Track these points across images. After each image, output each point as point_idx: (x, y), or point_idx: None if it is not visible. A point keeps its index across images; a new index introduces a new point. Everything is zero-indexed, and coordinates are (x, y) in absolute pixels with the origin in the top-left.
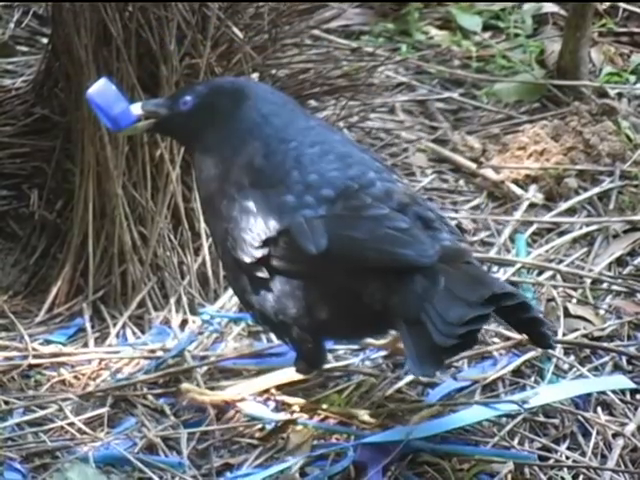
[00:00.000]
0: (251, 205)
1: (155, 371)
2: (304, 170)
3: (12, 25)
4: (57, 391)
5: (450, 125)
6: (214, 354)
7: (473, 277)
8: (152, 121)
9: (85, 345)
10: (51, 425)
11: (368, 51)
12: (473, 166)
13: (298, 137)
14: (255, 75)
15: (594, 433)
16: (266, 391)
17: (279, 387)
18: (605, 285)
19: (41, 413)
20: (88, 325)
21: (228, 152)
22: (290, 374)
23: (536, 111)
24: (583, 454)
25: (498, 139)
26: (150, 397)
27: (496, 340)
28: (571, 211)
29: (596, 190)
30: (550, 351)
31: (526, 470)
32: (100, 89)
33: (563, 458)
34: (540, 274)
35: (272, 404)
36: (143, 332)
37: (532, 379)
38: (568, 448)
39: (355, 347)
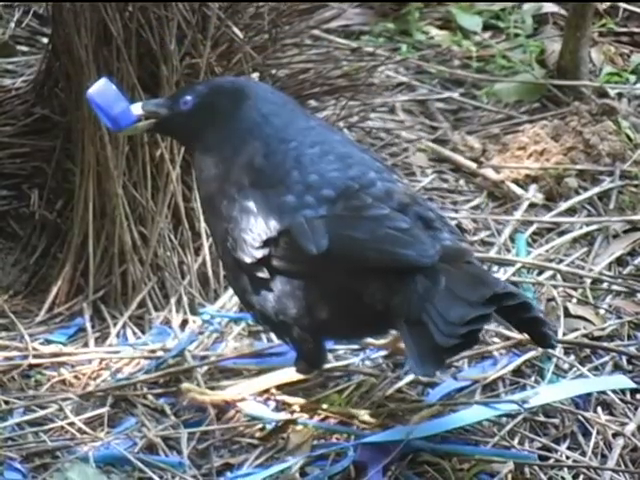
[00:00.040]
0: (251, 205)
1: (155, 371)
2: (304, 170)
3: (12, 25)
4: (57, 391)
5: (450, 125)
6: (214, 354)
7: (474, 277)
8: (152, 121)
9: (85, 345)
10: (51, 425)
11: (368, 51)
12: (473, 166)
13: (298, 137)
14: (255, 75)
15: (594, 433)
16: (266, 391)
17: (279, 387)
18: (605, 285)
19: (41, 413)
20: (88, 325)
21: (228, 152)
22: (290, 374)
23: (536, 111)
24: (583, 454)
25: (498, 139)
26: (150, 397)
27: (496, 340)
28: (571, 211)
29: (596, 190)
30: (550, 351)
31: (526, 470)
32: (100, 89)
33: (563, 458)
34: (540, 274)
35: (272, 404)
36: (143, 332)
37: (532, 379)
38: (568, 448)
39: (355, 347)
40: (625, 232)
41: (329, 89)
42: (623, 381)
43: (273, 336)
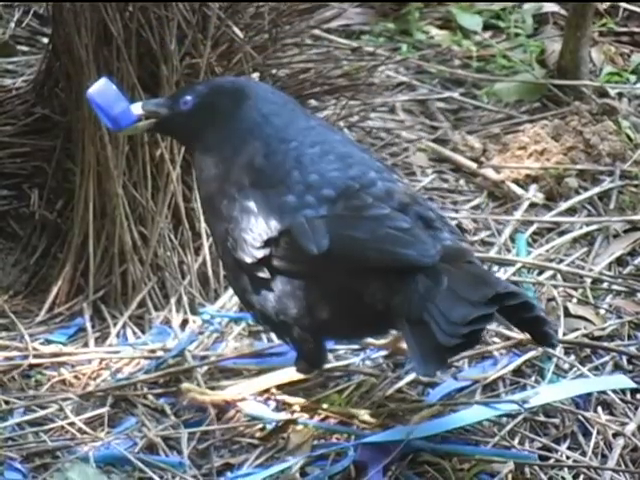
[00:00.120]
0: (252, 205)
1: (155, 371)
2: (304, 170)
3: (13, 25)
4: (57, 391)
5: (450, 125)
6: (214, 354)
7: (476, 276)
8: (152, 121)
9: (85, 345)
10: (51, 425)
11: (368, 51)
12: (473, 166)
13: (298, 137)
14: (256, 75)
15: (594, 433)
16: (266, 391)
17: (279, 387)
18: (605, 285)
19: (41, 413)
20: (88, 325)
21: (228, 152)
22: (291, 374)
23: (536, 111)
24: (583, 454)
25: (498, 139)
26: (150, 397)
27: (496, 340)
28: (571, 211)
29: (596, 190)
30: (550, 351)
31: (526, 470)
32: (100, 89)
33: (563, 458)
34: (540, 274)
35: (272, 404)
36: (143, 332)
37: (532, 379)
38: (568, 448)
39: (355, 347)
40: (625, 232)
41: (329, 89)
42: (623, 381)
43: (273, 336)
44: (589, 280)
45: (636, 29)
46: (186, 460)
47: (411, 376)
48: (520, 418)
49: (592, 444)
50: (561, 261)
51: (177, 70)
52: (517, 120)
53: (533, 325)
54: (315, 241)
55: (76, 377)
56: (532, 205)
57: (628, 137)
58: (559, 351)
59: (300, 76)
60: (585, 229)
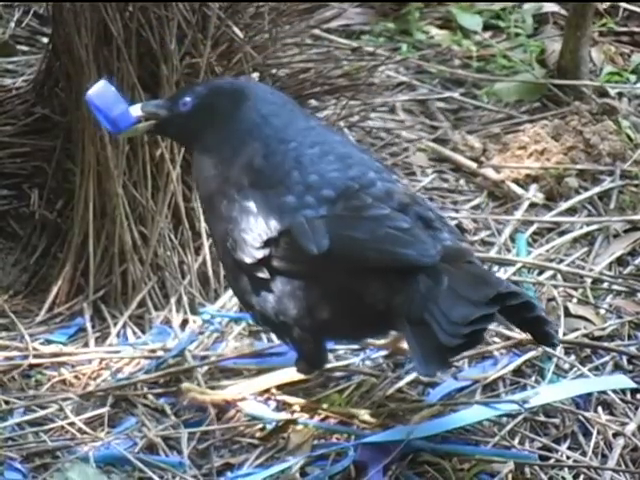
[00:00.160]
0: (251, 205)
1: (156, 371)
2: (304, 170)
3: (12, 24)
4: (57, 391)
5: (450, 124)
6: (215, 354)
7: (477, 276)
8: (152, 122)
9: (85, 345)
10: (51, 425)
11: (368, 51)
12: (473, 165)
13: (298, 138)
14: (255, 75)
15: (595, 433)
16: (267, 391)
17: (280, 387)
18: (606, 285)
19: (41, 413)
20: (89, 325)
21: (228, 153)
22: (291, 374)
23: (536, 111)
24: (584, 454)
25: (498, 139)
26: (150, 397)
27: (497, 340)
28: (572, 211)
29: (596, 190)
30: (551, 351)
31: (527, 470)
32: (99, 91)
33: (564, 458)
34: (541, 274)
35: (273, 404)
36: (144, 332)
37: (533, 379)
38: (569, 448)
39: (355, 347)
40: (625, 232)
41: (329, 89)
42: (623, 381)
43: (273, 336)
44: (589, 280)
45: (636, 29)
46: (186, 460)
47: (411, 376)
48: (520, 418)
49: (592, 444)
50: (561, 261)
51: (177, 70)
52: (517, 120)
53: (534, 325)
54: (315, 241)
55: (76, 377)
56: (532, 205)
57: (628, 137)
58: (559, 351)
59: (300, 76)
60: (585, 229)
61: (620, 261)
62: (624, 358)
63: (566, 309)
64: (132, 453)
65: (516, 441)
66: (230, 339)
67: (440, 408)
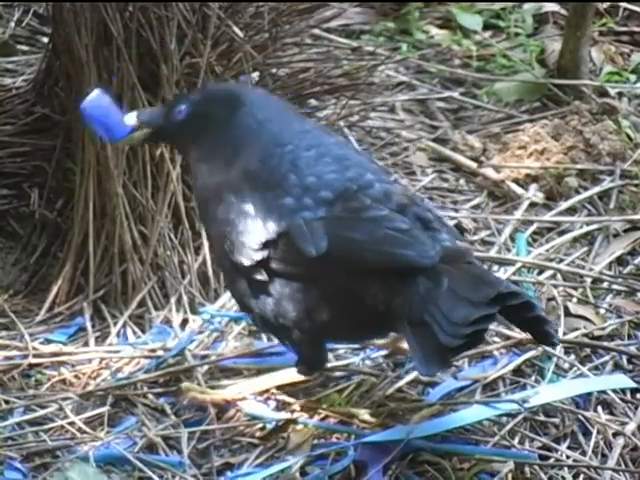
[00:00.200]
0: (249, 208)
1: (155, 370)
2: (301, 173)
3: (12, 24)
4: (57, 390)
5: (450, 124)
6: (215, 353)
7: (476, 277)
8: (148, 131)
9: (85, 344)
10: (51, 424)
11: (368, 50)
12: (473, 165)
13: (294, 141)
14: (255, 74)
15: (594, 432)
16: (267, 390)
17: (280, 387)
18: (605, 284)
19: (41, 412)
20: (88, 324)
21: (224, 159)
22: (291, 374)
23: (536, 110)
24: (583, 453)
25: (498, 138)
26: (150, 396)
27: (496, 339)
28: (571, 210)
29: (596, 189)
30: (551, 350)
31: (526, 469)
32: (94, 100)
33: (564, 457)
34: (540, 273)
35: (272, 403)
36: (144, 331)
37: (532, 378)
38: (568, 447)
39: (355, 346)
40: (625, 231)
41: (329, 88)
42: (623, 380)
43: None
44: (589, 280)
45: (636, 29)
46: (186, 460)
47: (411, 376)
48: (520, 418)
49: (592, 444)
50: (561, 261)
51: (177, 70)
52: (517, 120)
53: (534, 325)
54: (313, 243)
55: (76, 376)
56: (532, 205)
57: (628, 137)
58: (559, 351)
59: (300, 75)
60: (585, 229)
61: (620, 261)
62: (624, 358)
63: (566, 309)
64: (132, 453)
65: (516, 441)
66: (230, 339)
67: (440, 408)
